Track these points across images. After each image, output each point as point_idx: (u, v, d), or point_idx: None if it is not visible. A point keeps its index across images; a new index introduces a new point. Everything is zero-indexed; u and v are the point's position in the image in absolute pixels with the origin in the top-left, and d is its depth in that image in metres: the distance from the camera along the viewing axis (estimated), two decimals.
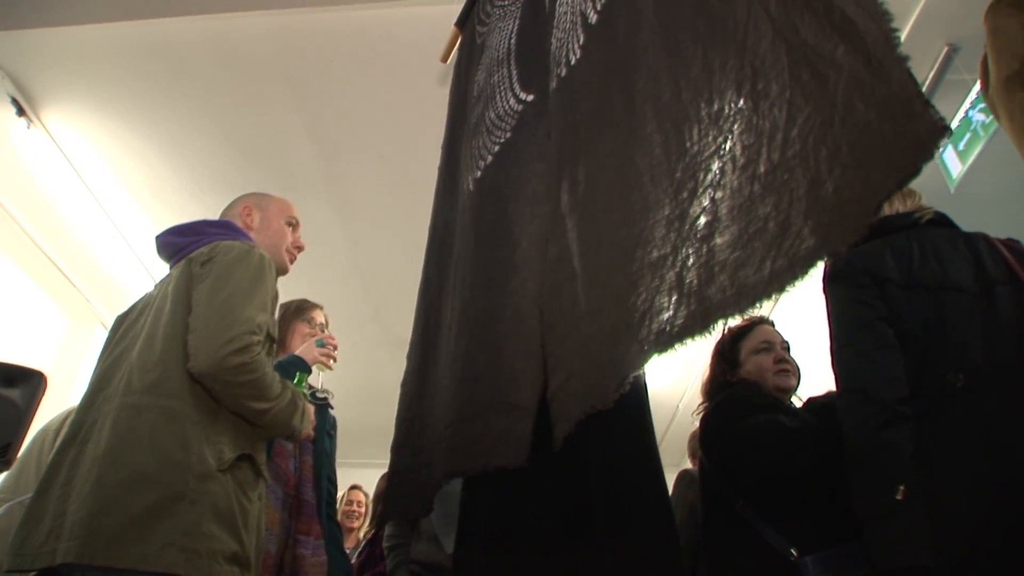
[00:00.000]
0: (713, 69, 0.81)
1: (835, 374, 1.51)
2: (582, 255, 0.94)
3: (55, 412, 2.90)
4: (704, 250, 0.74)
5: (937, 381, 1.40)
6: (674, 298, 0.76)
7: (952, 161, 3.47)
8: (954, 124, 3.51)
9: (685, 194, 0.79)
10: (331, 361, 2.24)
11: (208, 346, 1.46)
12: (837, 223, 0.62)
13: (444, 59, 1.98)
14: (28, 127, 3.47)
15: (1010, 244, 1.61)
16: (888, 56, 0.62)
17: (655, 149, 0.85)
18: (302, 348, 2.23)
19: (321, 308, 2.56)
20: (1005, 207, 3.90)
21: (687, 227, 0.77)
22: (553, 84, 1.19)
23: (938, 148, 0.57)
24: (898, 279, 1.52)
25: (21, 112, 3.41)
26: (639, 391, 1.33)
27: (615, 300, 0.84)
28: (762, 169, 0.71)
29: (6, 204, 3.88)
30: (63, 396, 4.24)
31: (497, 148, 1.35)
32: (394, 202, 3.77)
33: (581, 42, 1.12)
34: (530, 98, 1.33)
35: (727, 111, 0.77)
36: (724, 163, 0.75)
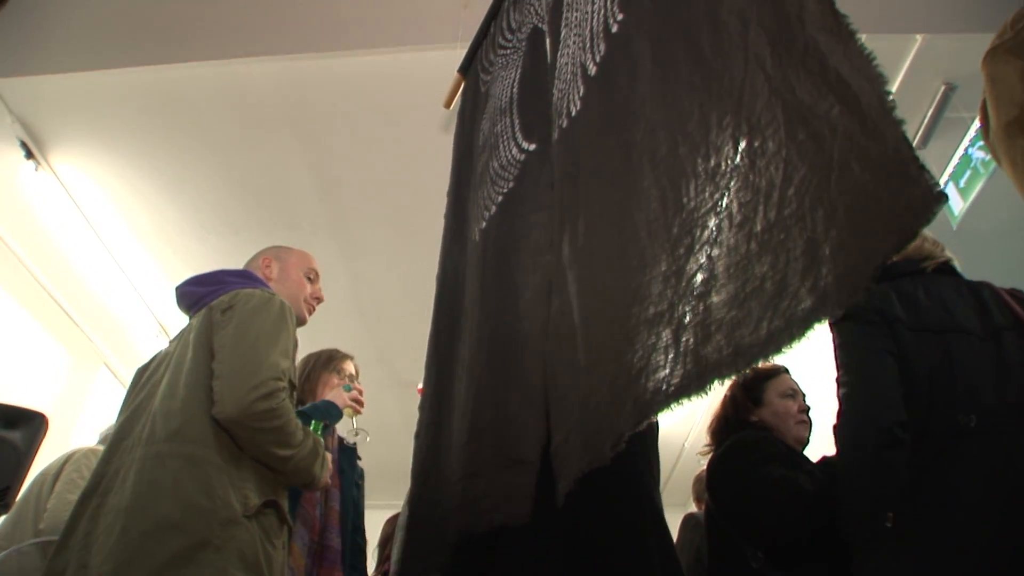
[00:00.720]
0: (710, 125, 0.82)
1: (837, 398, 1.52)
2: (581, 309, 0.94)
3: (56, 453, 2.88)
4: (701, 308, 0.74)
5: (948, 421, 1.40)
6: (670, 356, 0.75)
7: (954, 198, 3.48)
8: (954, 161, 3.53)
9: (682, 250, 0.79)
10: (361, 407, 2.26)
11: (234, 392, 1.46)
12: (834, 286, 0.62)
13: (447, 105, 2.01)
14: (36, 169, 3.52)
15: (1014, 293, 1.62)
16: (883, 118, 0.62)
17: (652, 203, 0.86)
18: (332, 394, 2.24)
19: (351, 358, 2.56)
20: (1008, 243, 3.90)
21: (684, 284, 0.77)
22: (555, 135, 1.20)
23: (934, 215, 0.56)
24: (906, 320, 1.53)
25: (29, 155, 3.46)
26: (644, 439, 1.32)
27: (612, 356, 0.84)
28: (759, 228, 0.71)
29: (12, 244, 3.91)
30: (64, 437, 4.22)
31: (501, 198, 1.36)
32: (398, 244, 3.80)
33: (581, 93, 1.13)
34: (532, 147, 1.34)
35: (724, 167, 0.78)
36: (721, 220, 0.76)
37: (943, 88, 3.39)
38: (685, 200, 0.81)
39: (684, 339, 0.75)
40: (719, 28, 0.87)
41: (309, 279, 2.00)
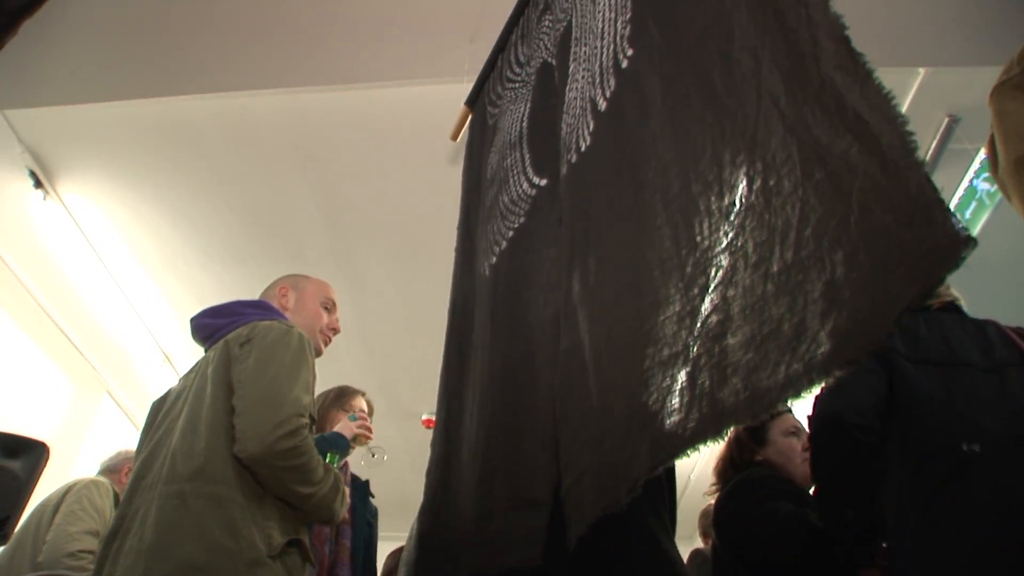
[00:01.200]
0: (723, 162, 0.81)
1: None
2: (593, 348, 0.92)
3: (57, 483, 2.85)
4: (716, 350, 0.73)
5: (952, 450, 1.39)
6: (686, 399, 0.74)
7: None
8: (959, 193, 3.53)
9: (696, 290, 0.78)
10: (370, 432, 2.24)
11: (257, 430, 1.44)
12: (855, 331, 0.61)
13: (454, 137, 2.01)
14: (44, 198, 3.54)
15: (1020, 331, 1.62)
16: (905, 159, 0.61)
17: (665, 242, 0.85)
18: (339, 425, 2.22)
19: (363, 394, 2.53)
20: (1014, 274, 3.89)
21: (699, 325, 0.76)
22: (564, 170, 1.20)
23: (962, 260, 0.54)
24: (905, 352, 1.53)
25: (38, 184, 3.49)
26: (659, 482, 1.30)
27: (626, 398, 0.82)
28: (775, 268, 0.70)
29: (18, 272, 3.92)
30: (65, 466, 4.19)
31: (511, 233, 1.35)
32: (402, 276, 3.81)
33: (591, 129, 1.13)
34: (543, 182, 1.34)
35: (738, 206, 0.77)
36: (736, 260, 0.75)
37: (947, 120, 3.40)
38: (699, 239, 0.80)
39: (700, 382, 0.73)
40: (731, 65, 0.86)
41: (326, 309, 1.98)
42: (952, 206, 3.53)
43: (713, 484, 1.98)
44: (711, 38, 0.93)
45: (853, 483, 1.48)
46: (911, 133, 0.62)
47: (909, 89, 3.20)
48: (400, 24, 2.52)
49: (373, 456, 2.47)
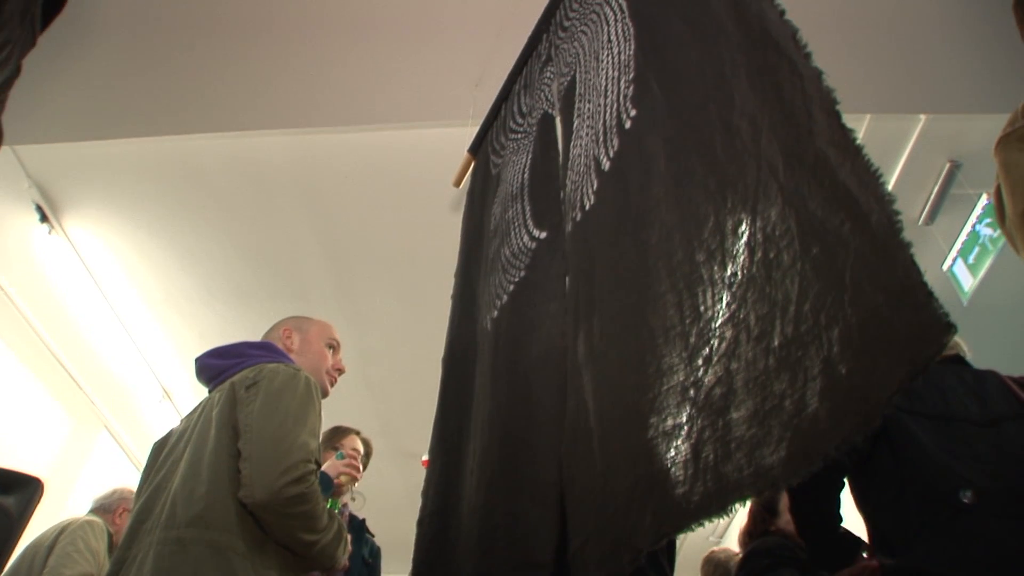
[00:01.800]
0: (725, 232, 0.81)
1: None
2: (598, 413, 0.92)
3: (51, 517, 2.82)
4: (720, 424, 0.72)
5: (945, 499, 1.38)
6: (690, 472, 0.73)
7: (963, 274, 3.48)
8: (962, 238, 3.54)
9: (699, 361, 0.78)
10: (356, 472, 2.21)
11: (265, 476, 1.41)
12: (852, 410, 0.61)
13: (456, 184, 2.03)
14: (49, 232, 3.57)
15: (1022, 381, 1.61)
16: (892, 240, 0.62)
17: (669, 310, 0.85)
18: (326, 465, 2.19)
19: (356, 433, 2.51)
20: (1018, 318, 3.88)
21: (702, 397, 0.76)
22: (568, 227, 1.20)
23: (943, 346, 0.56)
24: (900, 403, 1.52)
25: (44, 218, 3.51)
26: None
27: (630, 465, 0.82)
28: (776, 343, 0.70)
29: (20, 304, 3.93)
30: (60, 501, 4.16)
31: (512, 287, 1.35)
32: (404, 317, 3.81)
33: (595, 188, 1.13)
34: (543, 235, 1.34)
35: (740, 276, 0.77)
36: (739, 332, 0.75)
37: (948, 165, 3.43)
38: (702, 308, 0.80)
39: (704, 455, 0.73)
40: (732, 132, 0.87)
41: (331, 348, 1.98)
42: (955, 251, 3.54)
43: (737, 554, 2.02)
44: (713, 103, 0.94)
45: (824, 488, 1.52)
46: (898, 212, 0.63)
47: (911, 134, 3.23)
48: (405, 68, 2.55)
49: (354, 500, 2.43)
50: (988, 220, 3.45)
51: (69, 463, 4.56)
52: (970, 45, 2.56)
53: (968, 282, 3.48)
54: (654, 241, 0.92)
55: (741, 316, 0.75)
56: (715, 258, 0.82)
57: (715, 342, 0.77)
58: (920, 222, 3.54)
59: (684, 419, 0.77)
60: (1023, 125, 1.40)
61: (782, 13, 0.90)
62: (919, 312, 0.57)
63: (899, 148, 3.26)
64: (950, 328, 0.55)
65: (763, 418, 0.69)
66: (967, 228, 3.51)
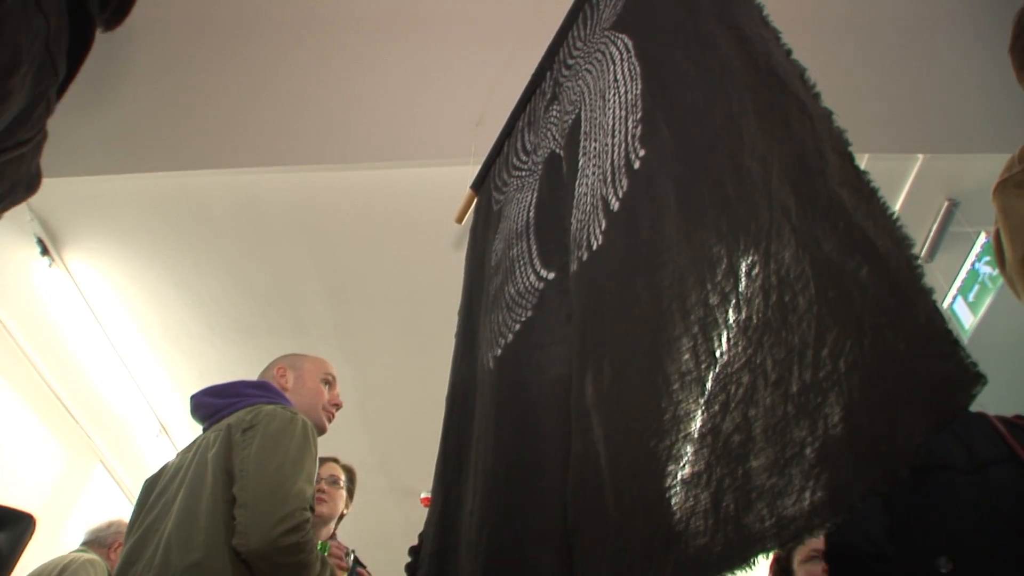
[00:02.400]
0: (739, 275, 0.80)
1: None
2: (610, 458, 0.90)
3: (43, 552, 2.77)
4: (740, 472, 0.71)
5: (924, 566, 1.34)
6: (710, 522, 0.71)
7: (963, 313, 3.48)
8: (961, 276, 3.55)
9: (717, 407, 0.76)
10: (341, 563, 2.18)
11: (261, 524, 1.39)
12: (876, 460, 0.59)
13: (459, 220, 2.02)
14: (49, 265, 3.57)
15: (1015, 422, 1.57)
16: (912, 285, 0.61)
17: (684, 354, 0.83)
18: None
19: (335, 461, 2.48)
20: (1018, 357, 3.87)
21: (720, 444, 0.74)
22: (574, 267, 1.19)
23: (973, 397, 0.54)
24: None
25: (45, 251, 3.51)
26: None
27: (647, 514, 0.80)
28: (794, 389, 0.69)
29: (18, 337, 3.92)
30: (53, 537, 4.09)
31: (518, 327, 1.33)
32: (403, 354, 3.81)
33: (603, 228, 1.13)
34: (551, 276, 1.33)
35: (755, 320, 0.76)
36: (756, 377, 0.73)
37: (946, 204, 3.45)
38: (718, 354, 0.79)
39: (724, 505, 0.71)
40: (742, 173, 0.87)
41: (327, 384, 1.96)
42: (955, 289, 3.55)
43: None
44: (722, 143, 0.93)
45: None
46: (917, 257, 0.62)
47: (909, 173, 3.25)
48: (407, 105, 2.57)
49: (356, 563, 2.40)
50: (987, 258, 3.46)
51: (63, 497, 4.50)
52: (967, 86, 2.60)
53: (968, 320, 3.48)
54: (667, 283, 0.91)
55: (758, 361, 0.74)
56: (729, 301, 0.81)
57: (732, 388, 0.75)
58: (919, 260, 3.55)
59: (703, 467, 0.75)
60: (1020, 171, 1.40)
61: (788, 53, 0.90)
62: (945, 361, 0.55)
63: (897, 187, 3.28)
64: (979, 378, 0.53)
65: (783, 467, 0.67)
66: (966, 266, 3.52)
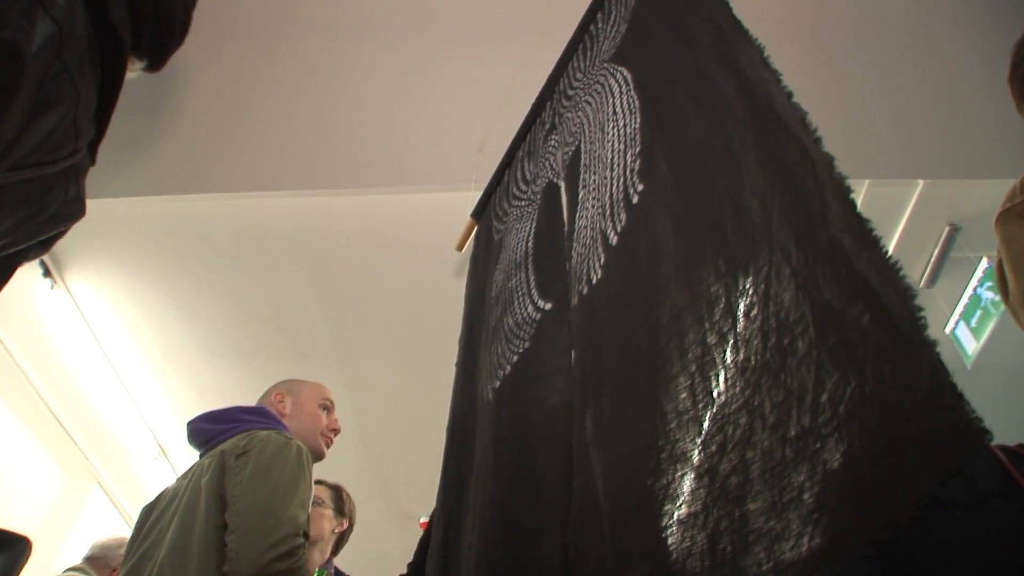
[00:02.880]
0: (737, 315, 0.80)
1: None
2: (608, 496, 0.89)
3: (39, 574, 2.75)
4: (737, 514, 0.70)
5: None
6: (707, 564, 0.71)
7: (966, 338, 3.47)
8: (963, 301, 3.54)
9: (714, 448, 0.76)
10: None
11: (251, 550, 1.38)
12: (877, 508, 0.59)
13: (459, 248, 2.03)
14: (52, 287, 3.57)
15: (1019, 451, 1.56)
16: (916, 336, 0.61)
17: (681, 393, 0.83)
18: None
19: (318, 483, 2.46)
20: (1021, 382, 3.85)
21: (718, 485, 0.73)
22: (575, 300, 1.19)
23: (977, 451, 0.54)
24: None
25: (47, 273, 3.52)
26: None
27: (644, 552, 0.79)
28: (793, 433, 0.68)
29: (17, 357, 3.92)
30: (51, 557, 4.07)
31: (516, 358, 1.33)
32: (403, 379, 3.80)
33: (602, 262, 1.13)
34: (548, 306, 1.33)
35: (754, 362, 0.76)
36: (754, 419, 0.73)
37: (947, 229, 3.45)
38: (716, 394, 0.79)
39: (721, 547, 0.70)
40: (741, 213, 0.87)
41: (325, 409, 1.96)
42: (958, 314, 3.54)
43: None
44: (721, 181, 0.94)
45: None
46: (920, 308, 0.62)
47: (910, 199, 3.26)
48: (409, 131, 2.59)
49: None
50: (989, 283, 3.46)
51: (60, 520, 4.47)
52: (967, 111, 2.61)
53: (971, 345, 3.47)
54: (664, 321, 0.91)
55: (755, 403, 0.74)
56: (727, 341, 0.80)
57: (729, 429, 0.75)
58: (921, 285, 3.55)
59: (699, 507, 0.75)
60: (1022, 200, 1.40)
61: (790, 96, 0.90)
62: (949, 414, 0.55)
63: (898, 212, 3.29)
64: (983, 434, 0.53)
65: (781, 511, 0.67)
66: (968, 291, 3.52)
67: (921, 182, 3.15)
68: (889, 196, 3.21)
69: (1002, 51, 1.52)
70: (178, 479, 1.80)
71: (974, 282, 3.49)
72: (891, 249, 3.49)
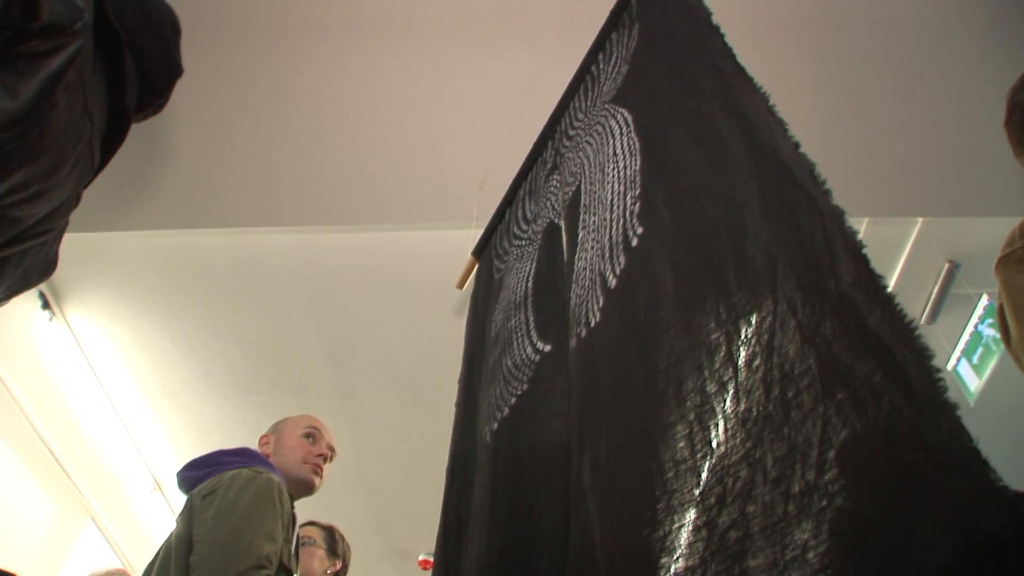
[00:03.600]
0: (739, 365, 0.79)
1: None
2: (604, 545, 0.87)
3: None
4: (736, 570, 0.68)
5: None
6: None
7: (968, 375, 3.45)
8: (965, 338, 3.53)
9: (713, 500, 0.74)
10: None
11: None
12: (886, 573, 0.57)
13: (460, 286, 2.02)
14: (50, 319, 3.56)
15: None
16: (935, 397, 0.58)
17: (679, 442, 0.82)
18: None
19: (311, 524, 2.43)
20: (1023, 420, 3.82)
21: (716, 539, 0.72)
22: (573, 343, 1.18)
23: (1007, 520, 0.50)
24: None
25: (46, 305, 3.51)
26: None
27: None
28: (796, 489, 0.67)
29: (12, 389, 3.89)
30: None
31: (514, 400, 1.32)
32: (403, 417, 3.78)
33: (601, 305, 1.12)
34: (547, 348, 1.32)
35: (755, 413, 0.74)
36: (755, 473, 0.71)
37: (947, 266, 3.46)
38: (715, 444, 0.77)
39: None
40: (744, 261, 0.86)
41: (309, 437, 1.94)
42: (959, 351, 3.52)
43: None
44: (723, 227, 0.92)
45: None
46: (938, 369, 0.60)
47: (908, 236, 3.26)
48: (410, 168, 2.60)
49: None
50: (990, 320, 3.45)
51: (50, 555, 4.40)
52: (965, 149, 2.62)
53: (974, 383, 3.45)
54: (663, 366, 0.90)
55: (757, 456, 0.72)
56: (727, 390, 0.79)
57: (729, 481, 0.73)
58: (922, 321, 3.54)
59: (697, 561, 0.72)
60: (1021, 246, 1.40)
61: (797, 146, 0.88)
62: (972, 482, 0.52)
63: (898, 249, 3.29)
64: (1013, 504, 0.50)
65: (784, 569, 0.65)
66: (969, 328, 3.51)
67: (920, 219, 3.16)
68: (888, 234, 3.22)
69: (1000, 89, 1.53)
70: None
71: (975, 319, 3.48)
72: (891, 286, 3.49)
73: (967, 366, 3.47)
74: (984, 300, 3.48)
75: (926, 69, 2.66)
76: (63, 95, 0.82)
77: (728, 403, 0.78)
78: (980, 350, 3.43)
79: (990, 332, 3.44)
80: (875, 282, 0.68)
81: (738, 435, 0.75)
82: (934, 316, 3.52)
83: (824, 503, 0.64)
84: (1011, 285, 1.41)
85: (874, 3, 2.62)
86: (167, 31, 1.09)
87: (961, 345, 3.52)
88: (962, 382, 3.48)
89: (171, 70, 1.10)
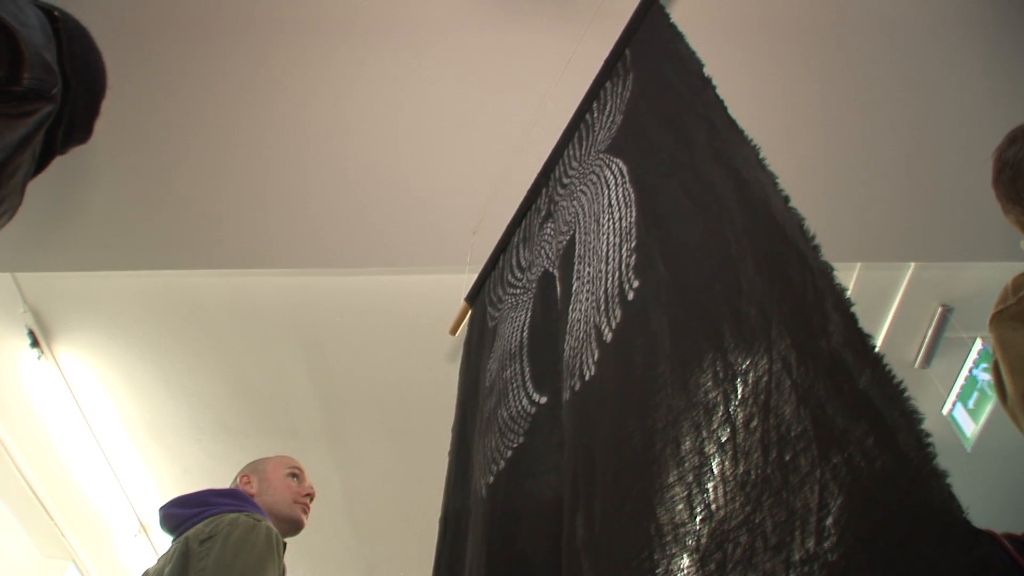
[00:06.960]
0: (736, 425, 0.78)
1: None
2: None
3: None
4: None
5: None
6: None
7: (964, 420, 3.43)
8: (960, 382, 3.52)
9: (713, 566, 0.72)
10: None
11: None
12: None
13: (453, 332, 2.01)
14: (39, 358, 3.53)
15: (1010, 536, 1.51)
16: (924, 464, 0.58)
17: (677, 504, 0.80)
18: None
19: None
20: (1020, 464, 3.79)
21: None
22: (567, 396, 1.17)
23: None
24: None
25: (35, 344, 3.48)
26: None
27: None
28: (797, 557, 0.65)
29: None
30: None
31: (510, 453, 1.30)
32: (394, 461, 3.74)
33: (596, 358, 1.11)
34: (543, 400, 1.30)
35: (754, 476, 0.73)
36: (755, 539, 0.70)
37: (940, 310, 3.46)
38: (714, 507, 0.76)
39: None
40: (739, 318, 0.85)
41: (293, 477, 1.92)
42: (954, 396, 3.51)
43: None
44: (718, 283, 0.92)
45: None
46: (928, 434, 0.59)
47: (901, 281, 3.27)
48: (404, 211, 2.61)
49: None
50: (984, 365, 3.44)
51: None
52: (956, 195, 2.65)
53: (970, 427, 3.44)
54: (660, 425, 0.88)
55: (756, 521, 0.71)
56: (725, 452, 0.78)
57: (729, 547, 0.72)
58: (916, 365, 3.54)
59: None
60: (1014, 304, 1.40)
61: (787, 200, 0.90)
62: (963, 551, 0.53)
63: (891, 294, 3.30)
64: (1003, 570, 0.50)
65: None
66: (964, 372, 3.51)
67: (912, 264, 3.18)
68: (881, 279, 3.23)
69: (992, 136, 1.54)
70: (157, 561, 1.74)
71: (969, 363, 3.48)
72: (885, 330, 3.50)
73: (963, 411, 3.46)
74: (978, 344, 3.48)
75: (917, 113, 2.69)
76: (28, 152, 0.85)
77: (727, 465, 0.77)
78: (975, 395, 3.42)
79: (984, 376, 3.43)
80: (863, 342, 0.68)
81: (738, 499, 0.74)
82: (928, 360, 3.52)
83: (824, 573, 0.63)
84: (1005, 342, 1.41)
85: (869, 50, 2.66)
86: (100, 97, 1.11)
87: (956, 390, 3.51)
88: (958, 427, 3.46)
89: (87, 133, 1.12)
